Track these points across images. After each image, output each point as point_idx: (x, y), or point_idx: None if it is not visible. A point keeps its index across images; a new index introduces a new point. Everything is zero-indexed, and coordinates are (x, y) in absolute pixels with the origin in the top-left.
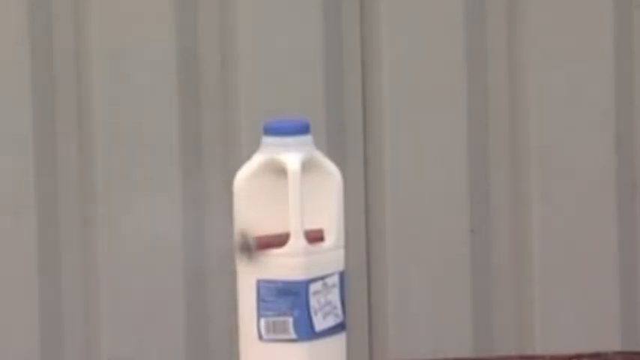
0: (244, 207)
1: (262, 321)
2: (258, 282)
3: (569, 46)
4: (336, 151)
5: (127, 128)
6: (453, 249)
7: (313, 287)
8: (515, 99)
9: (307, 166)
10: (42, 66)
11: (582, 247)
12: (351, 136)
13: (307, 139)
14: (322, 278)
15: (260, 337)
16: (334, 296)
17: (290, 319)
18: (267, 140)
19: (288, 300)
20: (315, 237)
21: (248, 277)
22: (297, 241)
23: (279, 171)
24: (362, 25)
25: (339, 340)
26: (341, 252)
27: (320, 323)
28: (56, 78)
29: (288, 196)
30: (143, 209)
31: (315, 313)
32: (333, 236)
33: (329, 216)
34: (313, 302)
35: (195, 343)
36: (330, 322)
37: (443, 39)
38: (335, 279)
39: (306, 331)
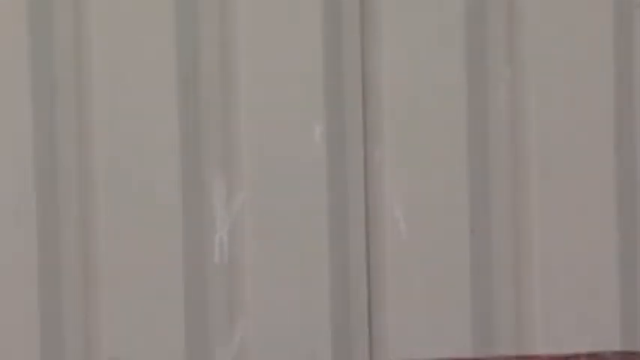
0: None
1: None
2: None
3: (569, 47)
4: (336, 151)
5: (127, 129)
6: (453, 249)
7: None
8: (515, 99)
9: None
10: (42, 67)
11: (582, 247)
12: (350, 137)
13: None
14: None
15: None
16: None
17: None
18: None
19: None
20: None
21: None
22: None
23: None
24: (362, 26)
25: None
26: None
27: None
28: (56, 79)
29: None
30: (143, 209)
31: None
32: None
33: None
34: None
35: (195, 343)
36: None
37: (443, 41)
38: None
39: None
